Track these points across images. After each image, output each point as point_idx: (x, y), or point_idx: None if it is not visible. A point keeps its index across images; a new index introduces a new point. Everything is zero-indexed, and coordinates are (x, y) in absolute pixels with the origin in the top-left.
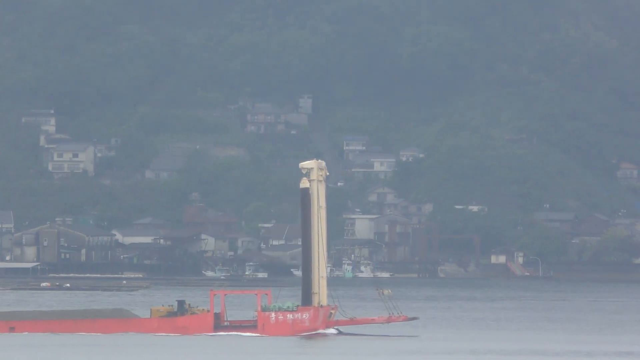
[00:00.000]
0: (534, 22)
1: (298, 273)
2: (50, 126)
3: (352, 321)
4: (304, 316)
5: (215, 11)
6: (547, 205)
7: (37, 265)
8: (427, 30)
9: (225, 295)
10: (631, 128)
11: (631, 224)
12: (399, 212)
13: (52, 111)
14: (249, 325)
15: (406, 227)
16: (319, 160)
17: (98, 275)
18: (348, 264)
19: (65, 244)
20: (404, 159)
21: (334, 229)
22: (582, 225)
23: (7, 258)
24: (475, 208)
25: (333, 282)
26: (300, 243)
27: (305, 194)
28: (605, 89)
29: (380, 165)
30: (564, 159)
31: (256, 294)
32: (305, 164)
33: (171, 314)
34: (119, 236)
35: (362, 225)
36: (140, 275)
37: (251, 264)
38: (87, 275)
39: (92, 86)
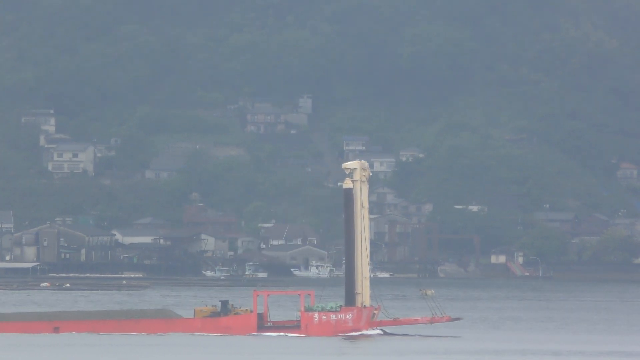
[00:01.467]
0: (534, 22)
1: (298, 273)
2: (50, 126)
3: (395, 322)
4: (347, 317)
5: (215, 11)
6: (547, 205)
7: (37, 265)
8: (427, 30)
9: (268, 295)
10: (631, 128)
11: (631, 224)
12: (399, 212)
13: (52, 111)
14: (292, 326)
15: (406, 227)
16: (362, 161)
17: (98, 275)
18: None
19: (65, 244)
20: (404, 159)
21: (334, 229)
22: (582, 225)
23: (7, 258)
24: (475, 208)
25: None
26: (300, 243)
27: (349, 194)
28: (605, 89)
29: (380, 165)
30: (564, 159)
31: (299, 294)
32: (349, 164)
33: (214, 314)
34: (118, 236)
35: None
36: (140, 275)
37: (251, 264)
38: (87, 275)
39: (92, 86)
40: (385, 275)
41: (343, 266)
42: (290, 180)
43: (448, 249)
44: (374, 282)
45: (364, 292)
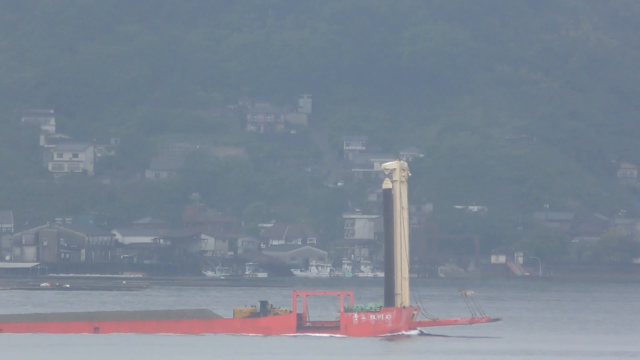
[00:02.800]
0: (534, 22)
1: (298, 273)
2: (50, 126)
3: (435, 322)
4: (387, 317)
5: (215, 11)
6: (547, 205)
7: (37, 265)
8: (426, 30)
9: (307, 296)
10: (631, 128)
11: (631, 224)
12: None
13: (52, 111)
14: (332, 326)
15: None
16: (402, 161)
17: (98, 275)
18: (348, 264)
19: (65, 244)
20: (403, 159)
21: (333, 229)
22: (582, 225)
23: (7, 258)
24: (475, 208)
25: (333, 282)
26: (300, 243)
27: (388, 194)
28: (605, 89)
29: (380, 165)
30: (563, 159)
31: (339, 295)
32: (388, 165)
33: (254, 315)
34: (118, 236)
35: (362, 225)
36: (140, 275)
37: (251, 264)
38: (87, 275)
39: (92, 86)
40: None
41: (343, 266)
42: (290, 180)
43: (448, 249)
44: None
45: (403, 292)
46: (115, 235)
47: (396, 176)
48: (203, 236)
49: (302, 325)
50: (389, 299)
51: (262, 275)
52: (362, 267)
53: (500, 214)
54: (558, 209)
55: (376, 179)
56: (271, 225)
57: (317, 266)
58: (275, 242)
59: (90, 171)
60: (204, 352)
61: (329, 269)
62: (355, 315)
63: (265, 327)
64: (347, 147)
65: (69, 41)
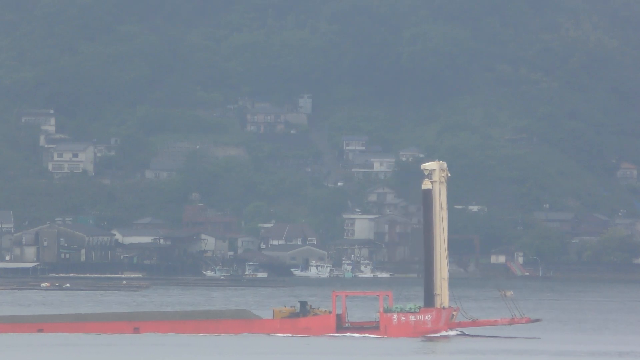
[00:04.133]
0: (534, 22)
1: (298, 273)
2: (50, 126)
3: (474, 323)
4: (427, 318)
5: (215, 11)
6: (547, 205)
7: (37, 265)
8: (426, 30)
9: (346, 296)
10: (631, 128)
11: (631, 224)
12: (399, 212)
13: (52, 111)
14: (371, 327)
15: (406, 227)
16: (441, 162)
17: (98, 275)
18: (348, 264)
19: (65, 244)
20: (403, 159)
21: (333, 229)
22: (582, 225)
23: (7, 258)
24: (475, 208)
25: (333, 282)
26: (300, 243)
27: (428, 195)
28: (605, 89)
29: (380, 165)
30: (563, 159)
31: (378, 295)
32: (428, 165)
33: (293, 315)
34: (118, 236)
35: (362, 225)
36: (140, 275)
37: (251, 264)
38: (87, 275)
39: (92, 86)
40: (385, 275)
41: (342, 266)
42: (290, 180)
43: (448, 249)
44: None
45: (442, 293)
46: (115, 235)
47: (436, 176)
48: (203, 236)
49: (341, 325)
50: (429, 299)
51: (262, 275)
52: (362, 267)
53: (500, 214)
54: (558, 209)
55: (376, 179)
56: (271, 225)
57: (317, 266)
58: (275, 242)
59: (90, 171)
60: (246, 351)
61: (329, 269)
62: (395, 316)
63: (304, 328)
64: (347, 147)
65: (69, 41)
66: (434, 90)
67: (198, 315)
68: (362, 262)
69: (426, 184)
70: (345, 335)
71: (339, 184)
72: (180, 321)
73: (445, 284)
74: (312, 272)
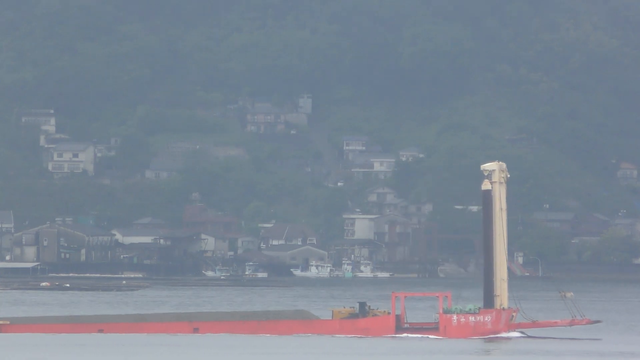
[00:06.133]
0: (534, 22)
1: (298, 273)
2: (50, 126)
3: (534, 324)
4: (486, 319)
5: (215, 11)
6: (547, 205)
7: (37, 265)
8: (427, 30)
9: (405, 297)
10: (631, 128)
11: (631, 224)
12: (399, 212)
13: (52, 111)
14: (430, 328)
15: (406, 227)
16: (500, 162)
17: (98, 275)
18: (348, 264)
19: (65, 244)
20: (403, 159)
21: (334, 229)
22: (582, 225)
23: (7, 258)
24: (475, 208)
25: (333, 282)
26: (300, 243)
27: (487, 196)
28: (605, 89)
29: (380, 165)
30: (564, 159)
31: (438, 296)
32: (487, 166)
33: (353, 316)
34: (118, 236)
35: (362, 225)
36: (140, 275)
37: (251, 264)
38: (87, 275)
39: (92, 86)
40: (385, 276)
41: (342, 266)
42: (290, 180)
43: (448, 249)
44: (379, 282)
45: (502, 294)
46: (115, 235)
47: (495, 177)
48: (203, 236)
49: (400, 326)
50: (488, 300)
51: (262, 275)
52: (362, 267)
53: None
54: (558, 209)
55: (376, 179)
56: (271, 225)
57: (317, 266)
58: (275, 242)
59: (90, 171)
60: (307, 352)
61: (329, 269)
62: (455, 317)
63: (364, 329)
64: (347, 147)
65: (69, 41)
66: (434, 90)
67: (257, 316)
68: (362, 262)
69: (486, 185)
70: (405, 336)
71: (339, 184)
72: (239, 322)
73: (505, 285)
74: (312, 272)
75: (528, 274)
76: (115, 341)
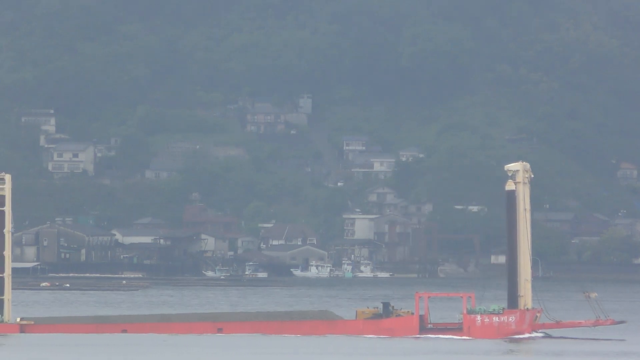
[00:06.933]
0: (534, 22)
1: (298, 273)
2: (50, 126)
3: (558, 324)
4: (510, 319)
5: (215, 11)
6: (547, 205)
7: (37, 265)
8: (427, 30)
9: (429, 297)
10: (631, 128)
11: (631, 224)
12: (399, 212)
13: (52, 111)
14: (454, 328)
15: (406, 227)
16: (524, 163)
17: (98, 275)
18: (348, 264)
19: (65, 244)
20: (403, 159)
21: (334, 229)
22: (582, 225)
23: None
24: (475, 208)
25: (332, 282)
26: (300, 243)
27: (512, 196)
28: (605, 89)
29: (380, 165)
30: (564, 159)
31: (462, 297)
32: (511, 166)
33: (376, 316)
34: (118, 236)
35: (362, 225)
36: (140, 275)
37: (251, 263)
38: (87, 275)
39: (92, 86)
40: (385, 275)
41: (342, 266)
42: (290, 180)
43: (448, 249)
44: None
45: (526, 294)
46: (115, 235)
47: (519, 177)
48: (203, 236)
49: (424, 326)
50: (512, 300)
51: (262, 275)
52: (362, 267)
53: (500, 214)
54: (558, 209)
55: (376, 179)
56: (271, 225)
57: (317, 266)
58: (275, 242)
59: (90, 171)
60: (332, 351)
61: (329, 269)
62: (479, 317)
63: (388, 329)
64: (347, 147)
65: (69, 41)
66: (434, 90)
67: (281, 316)
68: (362, 262)
69: (510, 185)
70: (428, 337)
71: (339, 184)
72: (263, 322)
73: (529, 285)
74: (312, 272)
75: None
76: (135, 341)
